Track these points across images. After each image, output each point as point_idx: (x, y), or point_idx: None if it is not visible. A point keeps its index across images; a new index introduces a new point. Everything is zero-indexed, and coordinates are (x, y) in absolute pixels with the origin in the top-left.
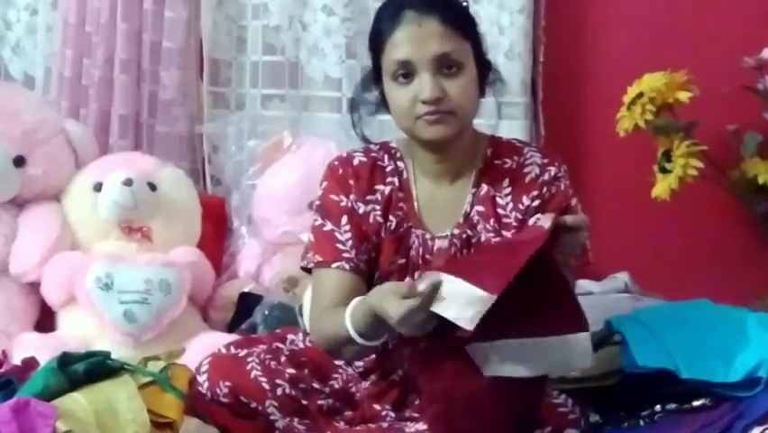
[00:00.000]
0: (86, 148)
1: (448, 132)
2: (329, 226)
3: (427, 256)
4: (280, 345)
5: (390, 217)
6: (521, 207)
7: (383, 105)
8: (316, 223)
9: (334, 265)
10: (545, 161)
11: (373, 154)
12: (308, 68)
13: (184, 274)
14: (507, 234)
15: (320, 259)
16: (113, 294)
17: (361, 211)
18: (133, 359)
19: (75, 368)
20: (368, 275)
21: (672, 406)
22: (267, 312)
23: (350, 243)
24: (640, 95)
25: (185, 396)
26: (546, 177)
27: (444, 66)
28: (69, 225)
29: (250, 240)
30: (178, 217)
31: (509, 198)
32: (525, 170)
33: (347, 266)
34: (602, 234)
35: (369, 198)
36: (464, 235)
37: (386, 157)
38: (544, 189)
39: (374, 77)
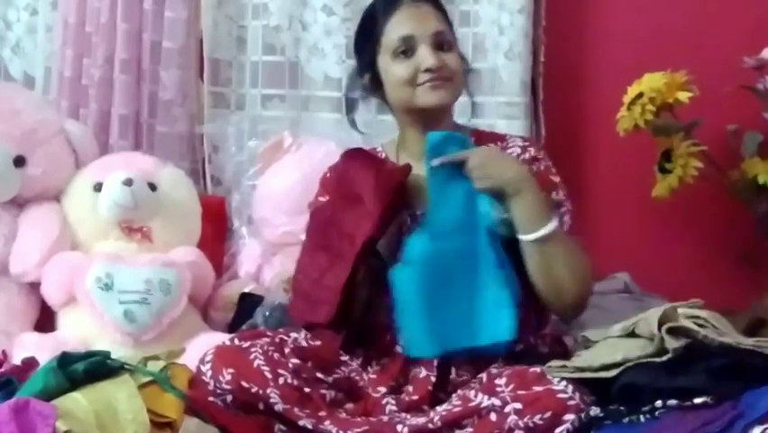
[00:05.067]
0: (86, 148)
1: (446, 97)
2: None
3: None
4: (285, 338)
5: None
6: None
7: (372, 89)
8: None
9: None
10: (526, 143)
11: None
12: (308, 68)
13: (184, 274)
14: None
15: None
16: (113, 294)
17: None
18: (133, 359)
19: (75, 368)
20: None
21: (673, 402)
22: (268, 313)
23: None
24: (640, 95)
25: (185, 396)
26: (527, 156)
27: (440, 42)
28: (69, 225)
29: (250, 240)
30: (178, 217)
31: None
32: (508, 151)
33: None
34: (602, 234)
35: None
36: None
37: None
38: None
39: (365, 64)
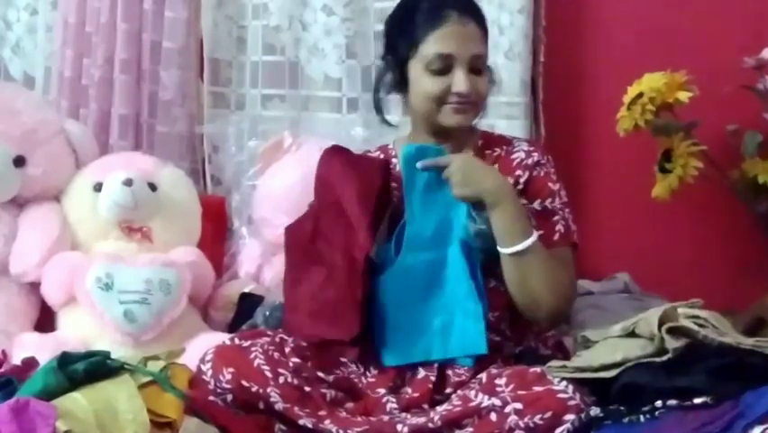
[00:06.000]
0: (86, 148)
1: (468, 120)
2: None
3: None
4: (285, 337)
5: None
6: None
7: (398, 85)
8: None
9: None
10: (531, 148)
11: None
12: (308, 68)
13: (184, 274)
14: None
15: None
16: (113, 294)
17: None
18: (133, 359)
19: (75, 368)
20: None
21: (673, 402)
22: (268, 313)
23: None
24: (640, 95)
25: (185, 396)
26: (530, 161)
27: (475, 65)
28: (69, 225)
29: (250, 240)
30: (178, 217)
31: None
32: (513, 156)
33: None
34: (602, 234)
35: None
36: None
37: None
38: (526, 172)
39: (394, 61)
